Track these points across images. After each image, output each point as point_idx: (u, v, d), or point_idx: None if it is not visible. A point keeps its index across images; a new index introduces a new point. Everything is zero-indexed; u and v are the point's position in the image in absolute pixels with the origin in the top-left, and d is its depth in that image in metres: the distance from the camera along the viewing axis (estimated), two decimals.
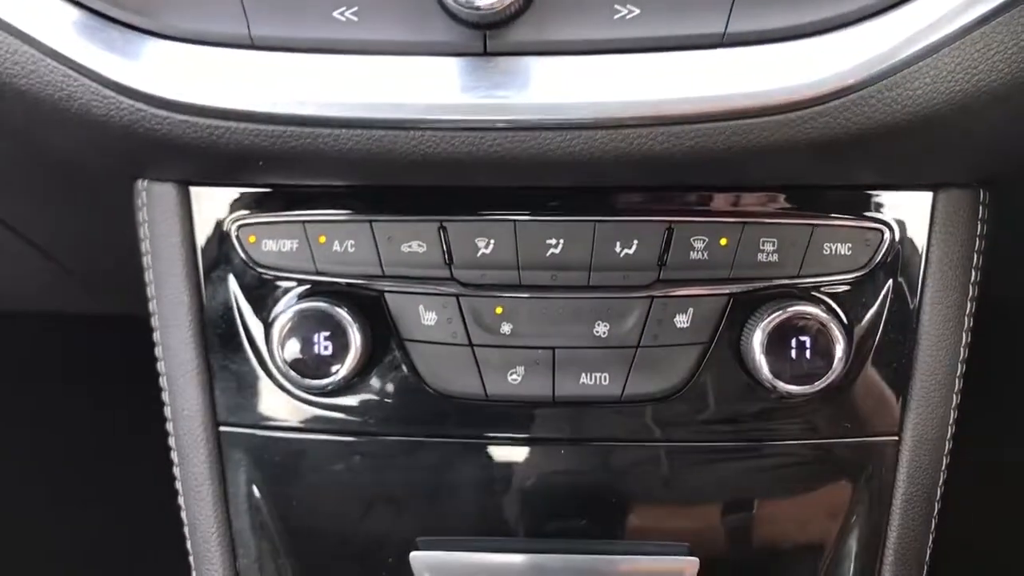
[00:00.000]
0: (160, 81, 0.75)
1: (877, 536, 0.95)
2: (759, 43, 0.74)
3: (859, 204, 0.89)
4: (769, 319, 0.86)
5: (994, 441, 1.48)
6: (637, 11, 0.73)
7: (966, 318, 0.92)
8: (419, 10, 0.73)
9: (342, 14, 0.74)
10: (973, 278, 0.92)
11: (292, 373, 0.89)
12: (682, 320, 0.89)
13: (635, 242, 0.88)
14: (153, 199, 0.92)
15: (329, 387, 0.89)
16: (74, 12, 0.76)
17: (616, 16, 0.73)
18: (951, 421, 0.93)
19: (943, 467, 0.94)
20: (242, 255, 0.91)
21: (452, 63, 0.75)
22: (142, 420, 1.14)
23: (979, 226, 0.91)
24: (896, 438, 0.93)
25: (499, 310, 0.90)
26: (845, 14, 0.73)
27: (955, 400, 0.93)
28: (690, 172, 0.81)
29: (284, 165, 0.80)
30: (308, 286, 0.91)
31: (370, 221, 0.89)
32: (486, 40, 0.74)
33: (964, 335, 0.93)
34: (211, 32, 0.75)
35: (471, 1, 0.69)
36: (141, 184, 0.93)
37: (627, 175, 0.82)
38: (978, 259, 0.92)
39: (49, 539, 1.87)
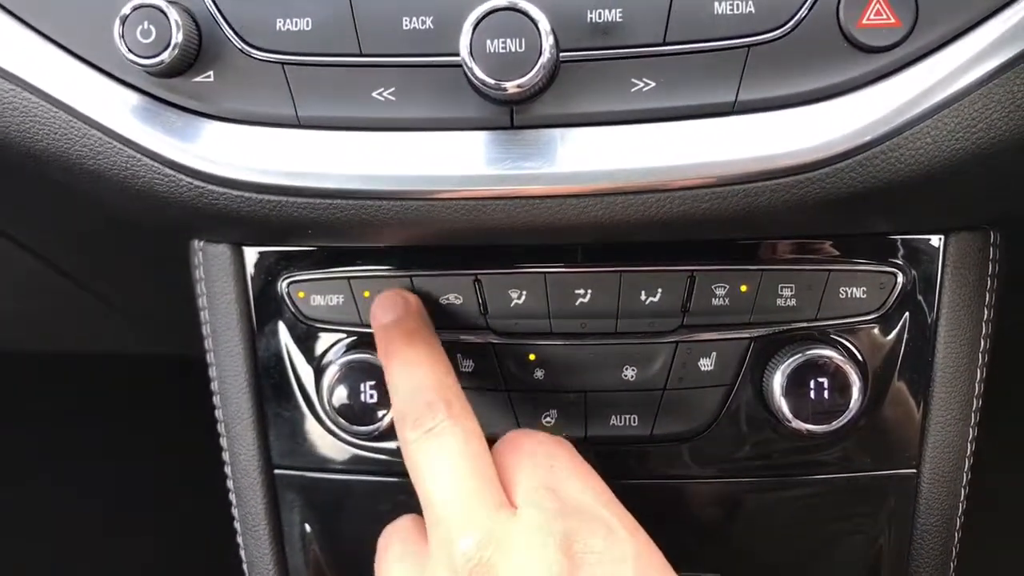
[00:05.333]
0: (216, 160, 0.81)
1: (899, 567, 0.98)
2: (768, 110, 0.78)
3: (873, 249, 0.94)
4: (788, 362, 0.91)
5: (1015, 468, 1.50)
6: (652, 84, 0.78)
7: (980, 354, 0.96)
8: (451, 90, 0.79)
9: (380, 95, 0.80)
10: (986, 316, 0.96)
11: (341, 420, 0.95)
12: (706, 363, 0.94)
13: (659, 290, 0.93)
14: (209, 259, 0.99)
15: (375, 432, 0.95)
16: (135, 97, 0.82)
17: (633, 89, 0.79)
18: (968, 453, 0.97)
19: (962, 498, 0.98)
20: (292, 310, 0.98)
21: (482, 137, 0.80)
22: (200, 459, 1.21)
23: (991, 266, 0.95)
24: (915, 471, 0.97)
25: (532, 357, 0.95)
26: (848, 80, 0.77)
27: (972, 433, 0.97)
28: (707, 229, 0.85)
29: (330, 231, 0.86)
30: (354, 337, 0.97)
31: (410, 276, 0.95)
32: (513, 115, 0.79)
33: (979, 370, 0.96)
34: (261, 114, 0.81)
35: (499, 83, 0.74)
36: (197, 244, 1.00)
37: (647, 234, 0.87)
38: (991, 297, 0.96)
39: (112, 569, 1.95)
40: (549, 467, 0.81)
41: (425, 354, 0.86)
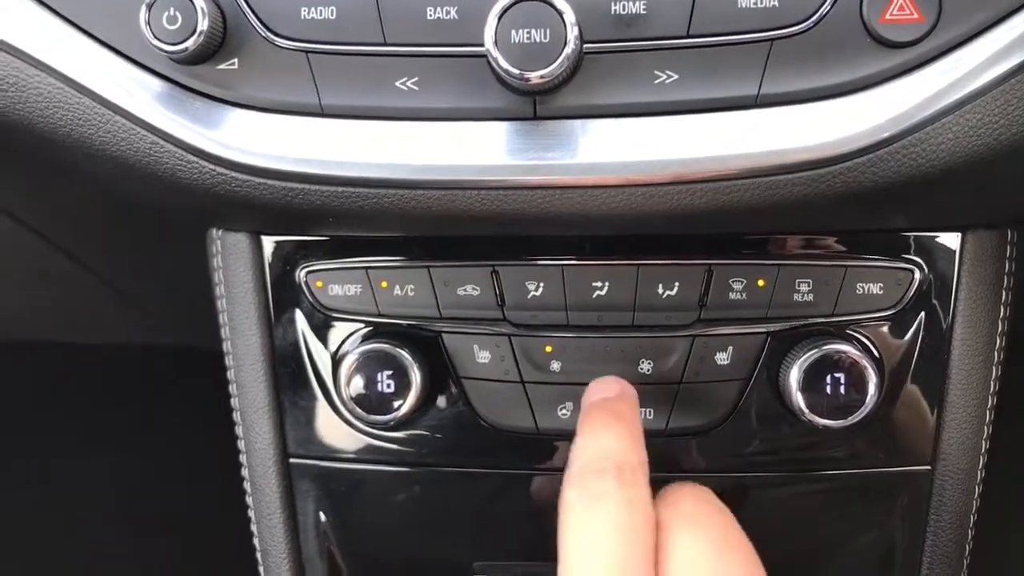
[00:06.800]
0: (239, 148, 0.82)
1: (913, 564, 0.99)
2: (790, 103, 0.79)
3: (890, 245, 0.94)
4: (805, 357, 0.91)
5: None
6: (675, 76, 0.79)
7: (995, 352, 0.96)
8: (474, 79, 0.79)
9: (404, 84, 0.80)
10: (1002, 314, 0.96)
11: (357, 409, 0.95)
12: (722, 358, 0.94)
13: (676, 284, 0.93)
14: (227, 248, 0.99)
15: (391, 422, 0.95)
16: (159, 84, 0.83)
17: (656, 81, 0.79)
18: (983, 451, 0.97)
19: (976, 496, 0.98)
20: (310, 299, 0.98)
21: (504, 127, 0.80)
22: (216, 449, 1.21)
23: (1008, 264, 0.96)
24: (929, 468, 0.97)
25: (549, 349, 0.96)
26: (870, 75, 0.78)
27: (986, 431, 0.97)
28: (727, 222, 0.86)
29: (351, 220, 0.86)
30: (371, 327, 0.98)
31: (428, 267, 0.95)
32: (536, 105, 0.80)
33: (994, 368, 0.97)
34: (285, 102, 0.82)
35: (523, 73, 0.74)
36: (215, 233, 1.00)
37: (667, 226, 0.87)
38: (1007, 296, 0.96)
39: (125, 561, 1.96)
40: (706, 539, 0.75)
41: (618, 431, 0.81)
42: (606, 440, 0.80)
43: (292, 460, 1.02)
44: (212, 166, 0.83)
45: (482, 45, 0.75)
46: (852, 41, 0.77)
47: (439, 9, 0.79)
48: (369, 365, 0.94)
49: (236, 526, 1.11)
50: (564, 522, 0.75)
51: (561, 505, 0.76)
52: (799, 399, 0.91)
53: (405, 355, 0.93)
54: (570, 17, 0.74)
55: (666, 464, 0.98)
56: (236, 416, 1.03)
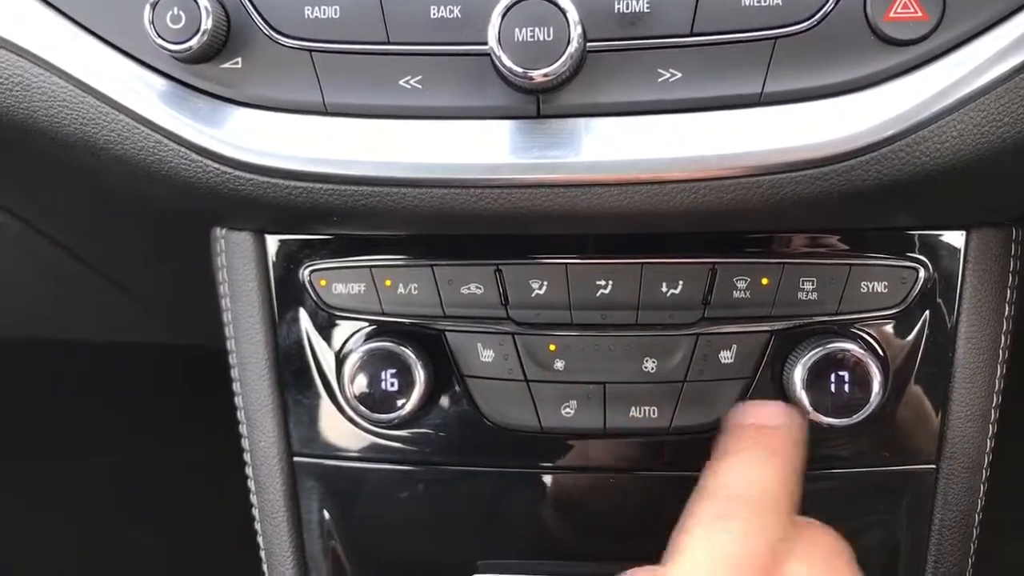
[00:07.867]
0: (243, 146, 0.82)
1: (918, 562, 0.98)
2: (794, 101, 0.79)
3: (895, 244, 0.94)
4: (809, 355, 0.91)
5: None
6: (679, 74, 0.79)
7: (1000, 351, 0.96)
8: (477, 78, 0.79)
9: (407, 83, 0.80)
10: (1007, 312, 0.96)
11: (361, 408, 0.95)
12: (726, 356, 0.94)
13: (680, 283, 0.93)
14: (231, 246, 1.00)
15: (395, 420, 0.95)
16: (163, 83, 0.83)
17: (660, 79, 0.79)
18: (988, 449, 0.97)
19: (981, 494, 0.98)
20: (314, 298, 0.98)
21: (508, 126, 0.80)
22: (219, 448, 1.21)
23: (1012, 262, 0.95)
24: (934, 466, 0.97)
25: (552, 348, 0.96)
26: (874, 73, 0.78)
27: (991, 430, 0.97)
28: (731, 220, 0.86)
29: (355, 218, 0.86)
30: (375, 326, 0.98)
31: (431, 265, 0.95)
32: (539, 104, 0.80)
33: (999, 367, 0.96)
34: (288, 100, 0.82)
35: (526, 72, 0.74)
36: (219, 232, 1.00)
37: (671, 224, 0.87)
38: (1012, 294, 0.96)
39: (127, 561, 1.96)
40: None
41: (779, 468, 0.79)
42: (759, 472, 0.79)
43: (296, 458, 1.02)
44: (216, 164, 0.83)
45: (485, 43, 0.75)
46: (856, 39, 0.77)
47: (442, 8, 0.79)
48: (373, 364, 0.94)
49: (239, 525, 1.11)
50: (685, 534, 0.75)
51: (689, 518, 0.76)
52: (803, 397, 0.91)
53: (409, 354, 0.94)
54: (573, 15, 0.74)
55: (671, 462, 0.98)
56: (240, 415, 1.03)
